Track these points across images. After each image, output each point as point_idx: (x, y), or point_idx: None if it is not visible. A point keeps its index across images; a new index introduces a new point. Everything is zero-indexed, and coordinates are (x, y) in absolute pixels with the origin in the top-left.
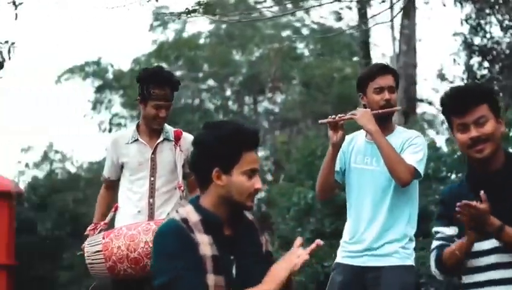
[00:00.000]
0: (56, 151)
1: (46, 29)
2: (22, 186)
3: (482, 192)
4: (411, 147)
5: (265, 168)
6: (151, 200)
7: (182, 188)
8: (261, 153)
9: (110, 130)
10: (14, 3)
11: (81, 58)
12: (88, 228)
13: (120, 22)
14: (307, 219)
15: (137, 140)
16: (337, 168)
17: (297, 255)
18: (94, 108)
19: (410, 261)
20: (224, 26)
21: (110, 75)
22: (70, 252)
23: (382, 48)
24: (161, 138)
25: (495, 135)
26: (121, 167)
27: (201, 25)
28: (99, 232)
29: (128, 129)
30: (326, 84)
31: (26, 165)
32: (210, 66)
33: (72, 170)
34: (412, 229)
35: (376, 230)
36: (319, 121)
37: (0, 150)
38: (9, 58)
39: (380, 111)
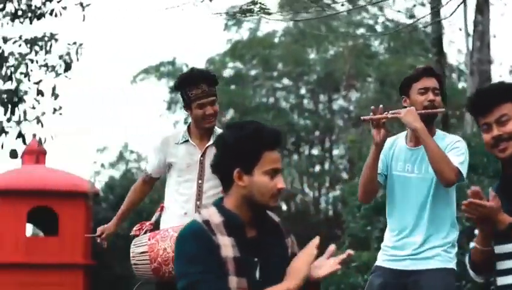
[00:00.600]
0: (131, 152)
1: (122, 30)
2: (99, 186)
3: (490, 189)
4: (454, 150)
5: (341, 166)
6: (198, 202)
7: None
8: (335, 151)
9: None
10: (81, 4)
11: (156, 59)
12: (134, 228)
13: (194, 22)
14: (377, 217)
15: (187, 141)
16: (379, 170)
17: (312, 247)
18: (169, 108)
19: (452, 265)
20: (300, 24)
21: None
22: None
23: (458, 44)
24: (211, 141)
25: None
26: (168, 167)
27: (275, 24)
28: (145, 232)
29: (179, 129)
30: (400, 81)
31: (102, 165)
32: (284, 65)
33: None
34: (454, 233)
35: (420, 237)
36: (362, 118)
37: (77, 150)
38: (78, 59)
39: (424, 111)
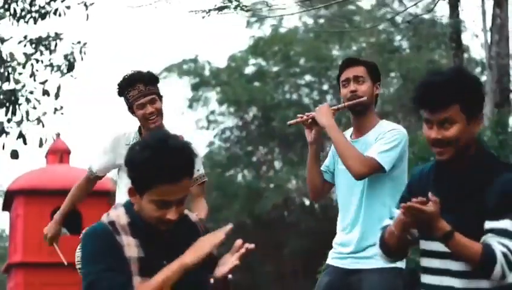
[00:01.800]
0: None
1: (146, 29)
2: None
3: (430, 194)
4: (381, 140)
5: None
6: None
7: None
8: None
9: (208, 128)
10: (85, 4)
11: (178, 57)
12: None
13: (217, 19)
14: None
15: None
16: (323, 168)
17: (221, 232)
18: (190, 106)
19: (395, 264)
20: (321, 20)
21: (207, 73)
22: None
23: (482, 38)
24: None
25: (460, 139)
26: (118, 168)
27: (298, 20)
28: None
29: (130, 130)
30: (421, 76)
31: None
32: (307, 61)
33: None
34: None
35: (358, 232)
36: (288, 123)
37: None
38: (82, 58)
39: (340, 105)
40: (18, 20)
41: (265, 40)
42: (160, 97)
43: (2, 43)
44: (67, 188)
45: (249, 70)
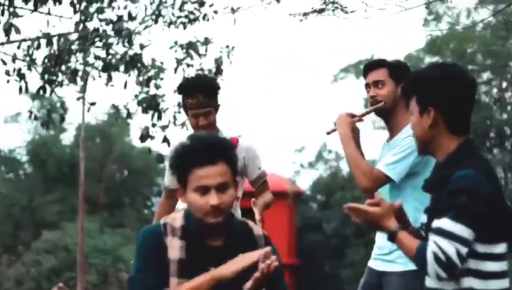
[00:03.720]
0: (330, 151)
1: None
2: (305, 186)
3: (376, 194)
4: (395, 149)
5: None
6: None
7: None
8: None
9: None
10: (232, 8)
11: (355, 57)
12: None
13: (394, 18)
14: None
15: None
16: None
17: (260, 252)
18: (366, 106)
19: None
20: (500, 16)
21: None
22: (353, 249)
23: None
24: None
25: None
26: None
27: (476, 17)
28: None
29: (183, 137)
30: None
31: (301, 165)
32: (485, 59)
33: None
34: None
35: (382, 235)
36: (326, 132)
37: (276, 150)
38: (230, 62)
39: (359, 114)
40: (169, 26)
41: (441, 37)
42: (217, 109)
43: (142, 49)
44: (246, 190)
45: None
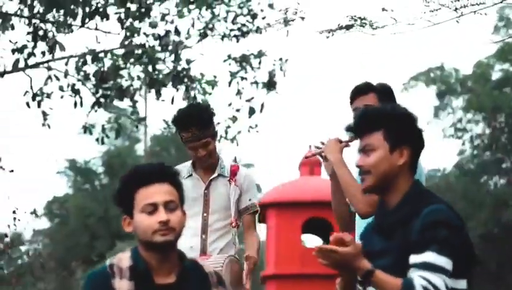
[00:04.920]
0: None
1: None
2: None
3: (343, 234)
4: None
5: None
6: (204, 236)
7: (234, 224)
8: None
9: (453, 136)
10: (285, 20)
11: (425, 65)
12: None
13: (464, 25)
14: None
15: (191, 175)
16: None
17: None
18: (436, 115)
19: None
20: None
21: (452, 80)
22: None
23: None
24: (215, 174)
25: (379, 167)
26: None
27: None
28: None
29: (185, 163)
30: None
31: None
32: None
33: None
34: None
35: None
36: (304, 156)
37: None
38: (284, 74)
39: (347, 139)
40: (222, 39)
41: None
42: (215, 136)
43: (189, 64)
44: (317, 200)
45: (495, 76)
